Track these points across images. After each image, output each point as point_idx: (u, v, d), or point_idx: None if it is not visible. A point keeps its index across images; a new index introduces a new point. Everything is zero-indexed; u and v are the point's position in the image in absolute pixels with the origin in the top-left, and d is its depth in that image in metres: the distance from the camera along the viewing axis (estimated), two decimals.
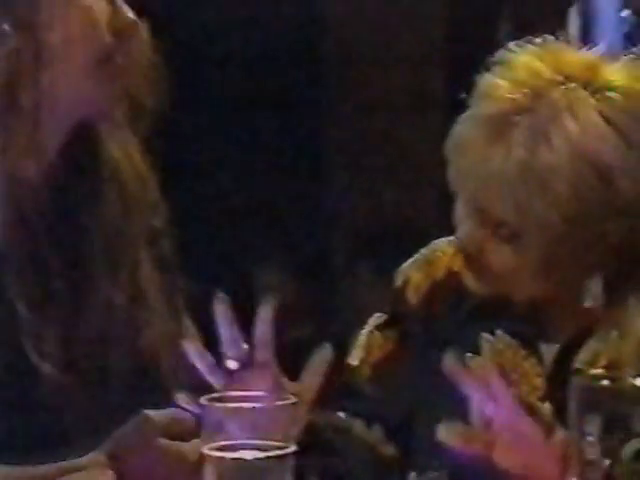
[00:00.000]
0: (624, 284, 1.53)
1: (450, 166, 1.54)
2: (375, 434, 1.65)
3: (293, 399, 1.24)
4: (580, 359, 1.53)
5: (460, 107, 1.57)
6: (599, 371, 1.19)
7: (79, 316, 1.44)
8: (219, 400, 1.22)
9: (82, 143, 1.50)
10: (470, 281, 1.55)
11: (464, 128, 1.53)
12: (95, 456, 1.41)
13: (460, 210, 1.56)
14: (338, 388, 1.68)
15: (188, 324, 1.56)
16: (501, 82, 1.52)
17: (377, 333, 1.68)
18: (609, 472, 1.12)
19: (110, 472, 1.39)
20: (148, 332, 1.48)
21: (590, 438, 1.10)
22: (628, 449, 1.11)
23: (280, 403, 1.23)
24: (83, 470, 1.39)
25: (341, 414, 1.65)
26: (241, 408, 1.21)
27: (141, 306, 1.49)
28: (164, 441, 1.39)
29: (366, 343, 1.69)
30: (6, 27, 1.35)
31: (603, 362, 1.50)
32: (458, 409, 1.45)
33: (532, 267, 1.51)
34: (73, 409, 1.44)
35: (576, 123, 1.46)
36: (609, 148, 1.47)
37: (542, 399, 1.54)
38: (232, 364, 1.38)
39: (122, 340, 1.47)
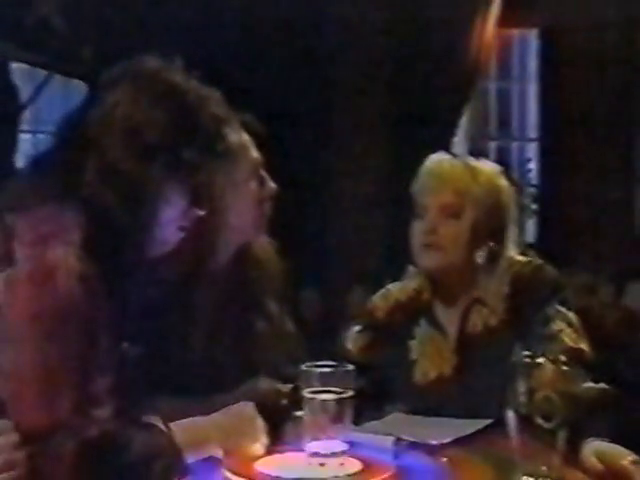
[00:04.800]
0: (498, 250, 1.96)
1: (421, 193, 1.97)
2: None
3: (351, 367, 1.50)
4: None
5: None
6: (527, 353, 1.40)
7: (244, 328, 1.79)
8: (311, 367, 1.48)
9: (241, 248, 1.83)
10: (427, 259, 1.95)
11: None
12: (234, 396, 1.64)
13: (417, 226, 1.96)
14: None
15: (290, 324, 1.91)
16: None
17: (357, 334, 2.08)
18: (529, 408, 1.36)
19: (251, 403, 1.60)
20: (269, 337, 1.83)
21: (521, 390, 1.36)
22: (538, 396, 1.37)
23: (344, 370, 1.49)
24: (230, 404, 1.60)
25: None
26: (323, 372, 1.48)
27: (271, 322, 1.85)
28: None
29: (352, 338, 2.08)
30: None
31: (480, 324, 1.93)
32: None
33: (465, 235, 1.93)
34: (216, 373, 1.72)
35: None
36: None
37: (452, 366, 1.94)
38: None
39: (261, 341, 1.81)
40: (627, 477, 1.48)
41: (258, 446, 1.56)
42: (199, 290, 1.73)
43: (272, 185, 1.84)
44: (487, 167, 2.01)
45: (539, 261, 1.98)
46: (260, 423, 1.59)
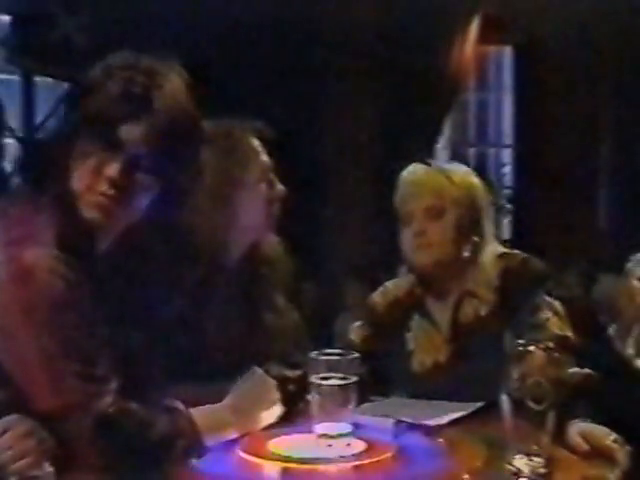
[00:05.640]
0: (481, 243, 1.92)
1: (404, 201, 1.95)
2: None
3: (355, 354, 1.47)
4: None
5: None
6: (522, 341, 1.37)
7: (251, 321, 1.74)
8: (319, 355, 1.46)
9: (252, 247, 1.79)
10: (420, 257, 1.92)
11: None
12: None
13: (406, 232, 1.93)
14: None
15: (296, 316, 1.87)
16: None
17: (359, 327, 2.05)
18: (521, 392, 1.33)
19: (271, 380, 1.59)
20: (277, 329, 1.79)
21: (515, 376, 1.34)
22: (529, 381, 1.34)
23: (349, 357, 1.46)
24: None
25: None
26: (329, 359, 1.45)
27: (279, 314, 1.81)
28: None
29: (354, 331, 2.06)
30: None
31: (472, 315, 1.90)
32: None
33: (451, 233, 1.90)
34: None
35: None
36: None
37: (447, 355, 1.90)
38: None
39: (270, 332, 1.77)
40: (609, 455, 1.47)
41: (275, 408, 1.55)
42: (213, 285, 1.69)
43: (281, 187, 1.81)
44: (459, 169, 2.00)
45: (525, 254, 1.95)
46: (271, 382, 1.57)
